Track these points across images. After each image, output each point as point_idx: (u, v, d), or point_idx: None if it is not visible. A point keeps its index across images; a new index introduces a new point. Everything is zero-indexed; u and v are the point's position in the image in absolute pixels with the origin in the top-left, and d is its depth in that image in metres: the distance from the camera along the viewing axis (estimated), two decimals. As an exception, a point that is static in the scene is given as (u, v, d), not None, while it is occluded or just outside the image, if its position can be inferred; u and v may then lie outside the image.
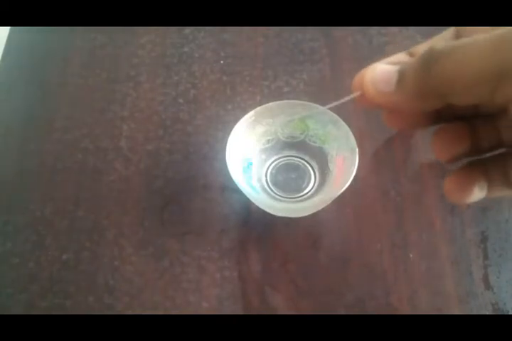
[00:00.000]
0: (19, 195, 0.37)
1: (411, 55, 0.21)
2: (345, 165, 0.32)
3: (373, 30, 0.43)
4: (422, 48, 0.21)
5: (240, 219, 0.36)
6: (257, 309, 0.33)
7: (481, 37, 0.16)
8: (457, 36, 0.21)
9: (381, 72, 0.19)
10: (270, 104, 0.33)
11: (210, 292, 0.34)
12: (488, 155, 0.21)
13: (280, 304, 0.33)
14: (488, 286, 0.33)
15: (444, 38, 0.21)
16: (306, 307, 0.33)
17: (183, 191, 0.37)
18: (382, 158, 0.38)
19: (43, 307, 0.33)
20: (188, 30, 0.44)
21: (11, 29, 0.45)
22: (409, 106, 0.18)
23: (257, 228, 0.36)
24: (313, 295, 0.33)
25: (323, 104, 0.33)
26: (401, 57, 0.21)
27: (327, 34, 0.43)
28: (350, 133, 0.31)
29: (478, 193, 0.20)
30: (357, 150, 0.30)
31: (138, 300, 0.33)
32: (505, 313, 0.32)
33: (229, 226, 0.36)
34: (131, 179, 0.38)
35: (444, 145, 0.21)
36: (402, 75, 0.18)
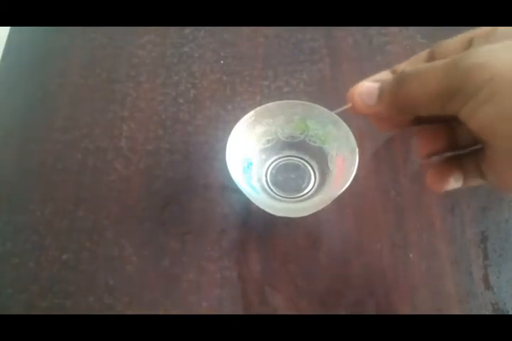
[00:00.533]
0: (19, 195, 0.37)
1: (393, 72, 0.25)
2: (345, 165, 0.32)
3: (373, 30, 0.43)
4: (401, 67, 0.24)
5: (239, 219, 0.36)
6: (257, 309, 0.33)
7: (439, 62, 0.20)
8: (430, 58, 0.24)
9: (366, 88, 0.23)
10: (270, 104, 0.33)
11: (210, 292, 0.34)
12: (466, 150, 0.25)
13: (280, 304, 0.33)
14: (488, 286, 0.33)
15: (418, 58, 0.24)
16: (306, 307, 0.33)
17: (183, 191, 0.37)
18: (382, 158, 0.38)
19: (43, 307, 0.33)
20: (188, 30, 0.44)
21: (11, 29, 0.45)
22: (389, 115, 0.23)
23: (257, 228, 0.36)
24: (313, 295, 0.33)
25: (323, 104, 0.33)
26: (384, 74, 0.25)
27: (327, 34, 0.43)
28: (350, 133, 0.31)
29: (454, 183, 0.24)
30: (357, 150, 0.30)
31: (138, 300, 0.33)
32: (505, 313, 0.32)
33: (229, 226, 0.36)
34: (131, 179, 0.38)
35: (424, 143, 0.25)
36: (381, 92, 0.22)
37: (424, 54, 0.24)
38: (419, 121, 0.25)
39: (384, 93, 0.22)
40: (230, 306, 0.33)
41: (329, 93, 0.40)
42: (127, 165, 0.38)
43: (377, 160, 0.38)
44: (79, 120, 0.40)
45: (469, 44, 0.22)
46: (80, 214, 0.36)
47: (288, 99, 0.34)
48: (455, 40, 0.23)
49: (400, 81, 0.21)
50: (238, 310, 0.33)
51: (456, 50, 0.22)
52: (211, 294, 0.33)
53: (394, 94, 0.22)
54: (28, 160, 0.39)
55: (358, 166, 0.30)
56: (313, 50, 0.43)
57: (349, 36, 0.43)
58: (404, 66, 0.24)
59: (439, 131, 0.25)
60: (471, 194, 0.36)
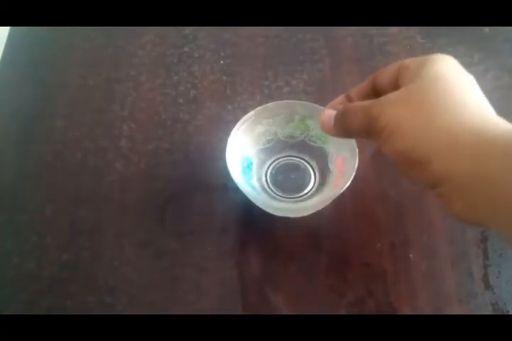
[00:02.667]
0: (19, 195, 0.37)
1: (347, 97, 0.29)
2: (345, 166, 0.32)
3: (373, 30, 0.43)
4: (352, 93, 0.29)
5: (240, 219, 0.36)
6: (257, 309, 0.33)
7: (363, 104, 0.25)
8: (372, 84, 0.28)
9: (327, 116, 0.28)
10: (270, 104, 0.33)
11: (210, 292, 0.34)
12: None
13: (280, 304, 0.33)
14: (488, 286, 0.33)
15: (364, 85, 0.29)
16: (306, 307, 0.33)
17: (183, 191, 0.37)
18: (382, 158, 0.38)
19: (43, 307, 0.33)
20: (188, 30, 0.44)
21: (11, 29, 0.45)
22: (345, 137, 0.29)
23: (257, 228, 0.36)
24: (313, 295, 0.33)
25: (323, 104, 0.33)
26: (340, 100, 0.30)
27: (327, 34, 0.43)
28: (351, 133, 0.31)
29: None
30: (357, 150, 0.30)
31: (138, 300, 0.33)
32: (505, 313, 0.32)
33: (229, 226, 0.36)
34: (131, 179, 0.38)
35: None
36: (334, 120, 0.27)
37: (369, 81, 0.29)
38: None
39: (336, 121, 0.27)
40: (230, 306, 0.33)
41: (329, 93, 0.40)
42: (127, 165, 0.38)
43: (377, 160, 0.38)
44: (79, 120, 0.40)
45: (398, 72, 0.26)
46: (80, 214, 0.36)
47: (288, 99, 0.34)
48: (389, 69, 0.27)
49: (342, 114, 0.27)
50: (238, 310, 0.33)
51: (388, 79, 0.27)
52: (211, 294, 0.33)
53: (340, 123, 0.27)
54: (28, 160, 0.39)
55: (358, 166, 0.30)
56: (313, 50, 0.43)
57: (349, 36, 0.43)
58: (353, 93, 0.29)
59: None
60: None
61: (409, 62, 0.26)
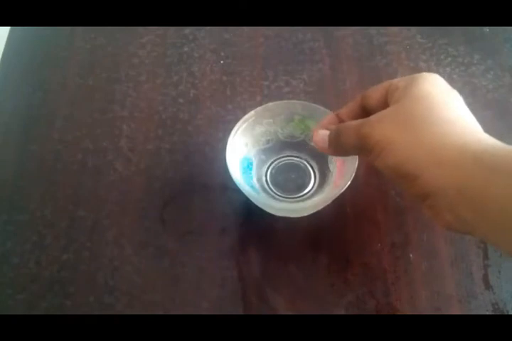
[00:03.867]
0: (19, 195, 0.37)
1: (337, 117, 0.31)
2: (345, 166, 0.32)
3: (373, 30, 0.43)
4: (342, 112, 0.30)
5: (239, 219, 0.36)
6: (257, 309, 0.33)
7: (354, 124, 0.26)
8: (361, 101, 0.29)
9: (321, 137, 0.29)
10: (270, 104, 0.33)
11: (210, 292, 0.34)
12: None
13: (280, 304, 0.33)
14: (488, 286, 0.33)
15: (353, 104, 0.30)
16: (306, 307, 0.33)
17: (183, 191, 0.37)
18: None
19: (43, 307, 0.33)
20: (188, 30, 0.44)
21: (11, 29, 0.45)
22: (340, 155, 0.31)
23: (257, 228, 0.36)
24: (313, 295, 0.33)
25: (323, 104, 0.33)
26: (329, 119, 0.31)
27: (327, 34, 0.43)
28: (350, 133, 0.31)
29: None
30: (357, 150, 0.30)
31: (138, 300, 0.33)
32: (505, 313, 0.32)
33: (229, 226, 0.36)
34: (131, 179, 0.38)
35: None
36: (328, 140, 0.29)
37: (357, 100, 0.30)
38: None
39: (330, 141, 0.29)
40: (230, 306, 0.33)
41: (329, 93, 0.40)
42: (127, 165, 0.38)
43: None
44: (79, 120, 0.40)
45: (386, 92, 0.27)
46: (80, 214, 0.36)
47: (288, 99, 0.34)
48: (378, 88, 0.28)
49: (336, 135, 0.28)
50: (238, 310, 0.33)
51: (377, 98, 0.28)
52: (211, 294, 0.33)
53: (334, 143, 0.28)
54: (28, 160, 0.39)
55: (358, 166, 0.30)
56: (313, 50, 0.43)
57: (349, 36, 0.43)
58: (343, 112, 0.31)
59: None
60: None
61: (398, 81, 0.27)
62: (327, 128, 0.29)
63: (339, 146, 0.28)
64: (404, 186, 0.25)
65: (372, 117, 0.26)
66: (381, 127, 0.25)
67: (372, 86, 0.29)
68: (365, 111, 0.29)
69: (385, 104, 0.27)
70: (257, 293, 0.33)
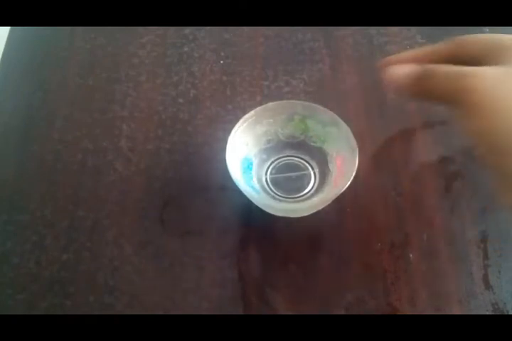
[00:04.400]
0: (19, 195, 0.37)
1: (418, 56, 0.28)
2: (345, 165, 0.32)
3: (373, 30, 0.43)
4: (425, 52, 0.28)
5: (239, 219, 0.36)
6: (257, 309, 0.33)
7: (458, 69, 0.24)
8: (451, 49, 0.27)
9: (401, 73, 0.26)
10: (270, 104, 0.33)
11: (210, 292, 0.34)
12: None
13: (280, 304, 0.33)
14: (488, 286, 0.33)
15: (437, 52, 0.28)
16: (306, 307, 0.33)
17: (183, 191, 0.37)
18: (382, 158, 0.38)
19: (43, 307, 0.33)
20: (188, 30, 0.44)
21: (11, 29, 0.45)
22: (420, 98, 0.27)
23: (257, 228, 0.36)
24: (313, 295, 0.33)
25: (323, 104, 0.33)
26: (404, 57, 0.28)
27: (327, 34, 0.43)
28: (350, 133, 0.31)
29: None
30: (357, 150, 0.30)
31: (138, 300, 0.33)
32: (505, 313, 0.32)
33: (229, 226, 0.36)
34: (131, 179, 0.38)
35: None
36: (413, 79, 0.26)
37: (448, 45, 0.27)
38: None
39: (416, 81, 0.26)
40: (230, 306, 0.33)
41: (329, 93, 0.40)
42: (127, 165, 0.38)
43: (377, 160, 0.38)
44: (79, 120, 0.40)
45: (491, 47, 0.25)
46: (80, 214, 0.36)
47: (288, 99, 0.34)
48: (479, 40, 0.26)
49: (426, 75, 0.25)
50: (238, 310, 0.33)
51: (479, 50, 0.25)
52: (211, 294, 0.33)
53: (422, 84, 0.25)
54: (28, 160, 0.39)
55: (358, 166, 0.30)
56: (313, 50, 0.43)
57: (349, 36, 0.43)
58: (425, 53, 0.28)
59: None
60: (471, 194, 0.36)
61: (508, 39, 0.24)
62: (409, 67, 0.26)
63: (426, 89, 0.25)
64: (494, 159, 0.22)
65: (479, 71, 0.23)
66: (490, 86, 0.22)
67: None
68: (457, 60, 0.26)
69: (486, 59, 0.24)
70: (257, 293, 0.33)
